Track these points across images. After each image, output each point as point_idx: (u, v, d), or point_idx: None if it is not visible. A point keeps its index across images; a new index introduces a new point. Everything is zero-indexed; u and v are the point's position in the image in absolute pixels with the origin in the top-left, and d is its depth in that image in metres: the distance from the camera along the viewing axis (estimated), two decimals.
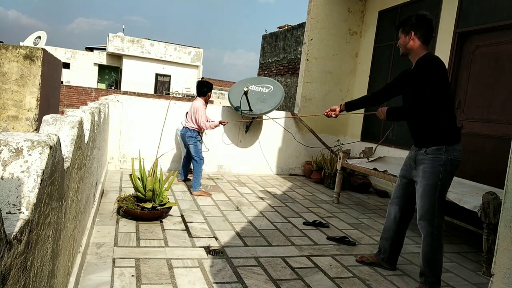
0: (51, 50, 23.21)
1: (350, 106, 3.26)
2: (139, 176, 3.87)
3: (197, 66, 28.76)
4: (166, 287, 2.45)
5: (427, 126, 2.73)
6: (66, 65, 25.99)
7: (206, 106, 5.06)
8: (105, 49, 28.07)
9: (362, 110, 5.50)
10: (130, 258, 2.82)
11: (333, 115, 3.31)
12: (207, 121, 5.01)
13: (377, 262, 3.14)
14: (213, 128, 5.08)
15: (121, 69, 27.46)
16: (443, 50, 5.16)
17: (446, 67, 2.81)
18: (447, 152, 2.65)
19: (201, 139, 5.08)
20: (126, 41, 26.71)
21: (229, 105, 6.55)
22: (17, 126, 4.79)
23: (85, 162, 2.37)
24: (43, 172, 1.16)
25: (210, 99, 6.44)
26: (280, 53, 13.40)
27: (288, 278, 2.77)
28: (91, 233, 3.06)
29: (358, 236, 3.93)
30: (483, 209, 3.13)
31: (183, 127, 5.10)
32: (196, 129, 4.96)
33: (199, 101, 4.99)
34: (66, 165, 1.67)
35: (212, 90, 5.13)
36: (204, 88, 5.03)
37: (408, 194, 2.97)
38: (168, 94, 26.47)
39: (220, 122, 5.13)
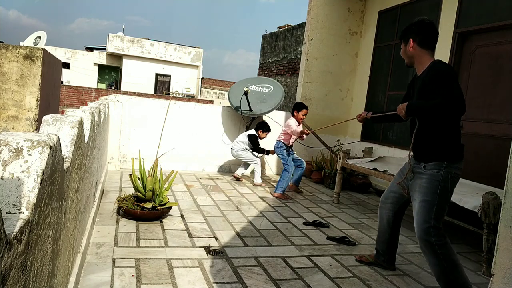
0: (51, 50, 23.22)
1: (375, 118, 3.22)
2: (139, 176, 3.87)
3: (197, 66, 28.79)
4: (166, 287, 2.46)
5: (431, 139, 2.59)
6: (66, 65, 26.01)
7: (299, 123, 5.49)
8: (105, 49, 28.09)
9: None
10: (130, 258, 2.82)
11: (358, 119, 3.32)
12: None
13: (376, 262, 3.15)
14: (299, 135, 5.34)
15: (121, 69, 27.47)
16: (443, 50, 5.16)
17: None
18: (446, 168, 2.52)
19: (286, 147, 5.49)
20: (126, 41, 26.72)
21: (229, 105, 6.56)
22: (17, 126, 4.79)
23: (85, 162, 2.37)
24: (43, 172, 1.16)
25: (210, 99, 6.46)
26: (280, 53, 13.41)
27: (288, 278, 2.77)
28: (91, 233, 3.06)
29: (358, 236, 3.93)
30: (483, 209, 3.13)
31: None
32: (282, 141, 5.47)
33: (292, 119, 5.48)
34: (66, 165, 1.67)
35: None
36: (293, 110, 5.53)
37: (403, 202, 2.95)
38: (168, 94, 26.48)
39: (303, 132, 5.31)
